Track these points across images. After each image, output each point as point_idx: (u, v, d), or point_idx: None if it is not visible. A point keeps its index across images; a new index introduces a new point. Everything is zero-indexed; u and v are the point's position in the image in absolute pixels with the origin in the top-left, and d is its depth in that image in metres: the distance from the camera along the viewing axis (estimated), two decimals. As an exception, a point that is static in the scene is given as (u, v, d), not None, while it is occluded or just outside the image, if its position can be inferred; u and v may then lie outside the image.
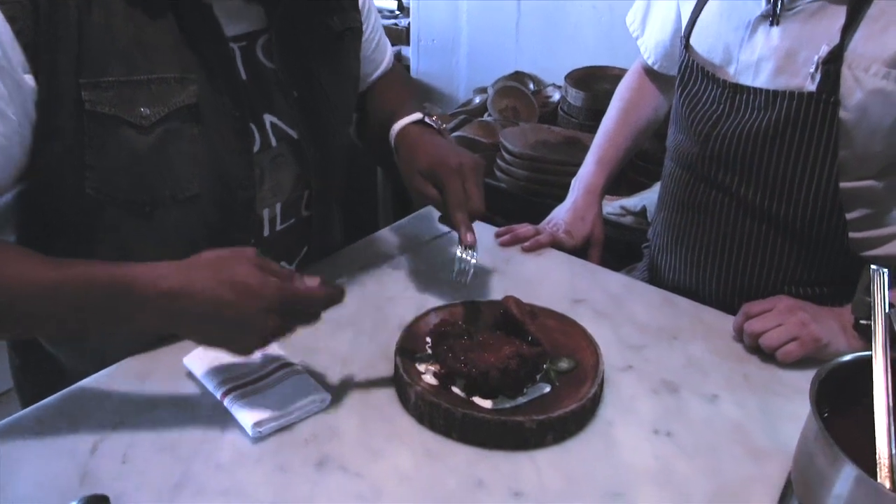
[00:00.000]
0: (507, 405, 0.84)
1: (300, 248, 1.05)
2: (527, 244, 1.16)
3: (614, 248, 1.35)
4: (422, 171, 0.95)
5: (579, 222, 1.22)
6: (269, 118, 0.95)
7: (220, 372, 0.86)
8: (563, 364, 0.89)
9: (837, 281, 1.04)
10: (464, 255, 0.94)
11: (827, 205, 1.00)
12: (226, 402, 0.83)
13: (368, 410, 0.85)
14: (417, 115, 1.01)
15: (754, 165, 1.03)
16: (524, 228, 1.19)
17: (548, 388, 0.86)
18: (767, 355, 0.94)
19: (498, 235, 1.19)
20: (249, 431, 0.80)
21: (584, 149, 1.85)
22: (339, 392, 0.87)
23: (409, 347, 0.89)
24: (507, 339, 0.86)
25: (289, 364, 0.88)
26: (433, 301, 1.02)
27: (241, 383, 0.85)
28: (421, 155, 0.96)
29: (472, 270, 0.95)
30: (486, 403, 0.84)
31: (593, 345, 0.91)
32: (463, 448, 0.81)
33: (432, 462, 0.79)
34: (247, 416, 0.81)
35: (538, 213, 1.28)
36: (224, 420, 0.82)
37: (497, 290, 1.06)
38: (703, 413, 0.87)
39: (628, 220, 1.75)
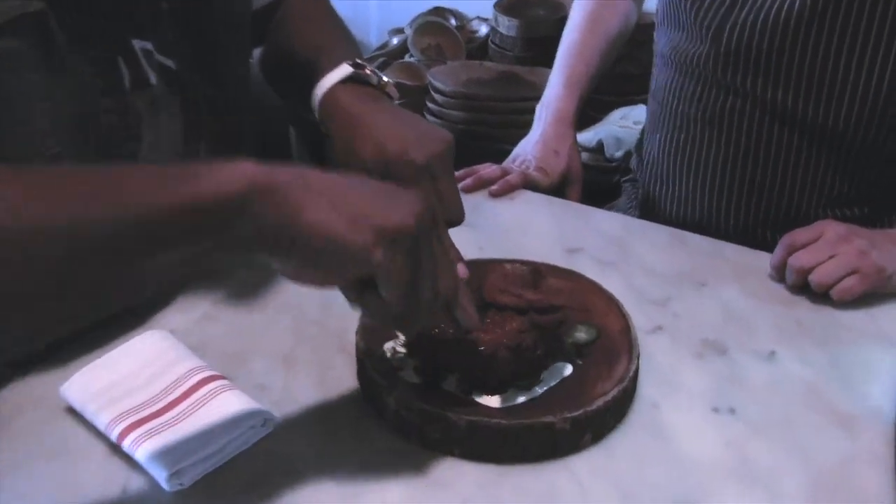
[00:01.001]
0: (521, 399, 0.63)
1: None
2: (494, 187, 0.96)
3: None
4: (369, 166, 0.68)
5: (552, 156, 1.03)
6: (139, 44, 0.69)
7: (112, 402, 0.62)
8: (582, 334, 0.69)
9: (884, 197, 0.89)
10: None
11: (879, 104, 0.83)
12: (125, 446, 0.59)
13: (331, 429, 0.63)
14: (346, 69, 0.72)
15: (783, 61, 0.85)
16: (488, 169, 0.99)
17: (569, 369, 0.66)
18: (818, 295, 0.77)
19: (458, 179, 0.97)
20: (165, 484, 0.57)
21: (523, 84, 1.69)
22: (285, 407, 0.64)
23: (375, 335, 0.67)
24: (508, 314, 0.65)
25: (211, 377, 0.64)
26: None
27: (146, 415, 0.61)
28: (366, 141, 0.68)
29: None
30: (494, 401, 0.63)
31: (615, 304, 0.71)
32: (471, 468, 0.60)
33: (432, 494, 0.58)
34: (159, 463, 0.57)
35: (479, 157, 1.06)
36: (125, 471, 0.59)
37: (470, 246, 0.84)
38: (765, 376, 0.69)
39: (584, 157, 1.56)
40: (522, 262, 0.73)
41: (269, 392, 0.66)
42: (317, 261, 0.51)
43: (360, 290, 0.53)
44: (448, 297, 0.56)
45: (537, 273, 0.69)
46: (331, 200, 0.50)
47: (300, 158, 1.96)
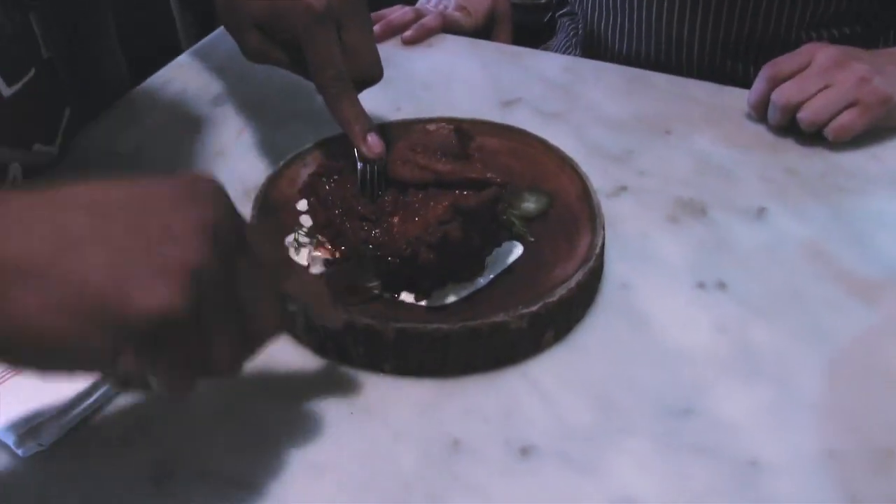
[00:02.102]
0: (462, 294, 0.51)
1: (57, 111, 0.62)
2: (408, 33, 0.85)
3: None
4: (256, 19, 0.56)
5: None
6: None
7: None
8: (530, 204, 0.58)
9: (881, 7, 0.77)
10: (368, 169, 0.55)
11: None
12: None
13: None
14: None
15: None
16: (399, 11, 0.87)
17: (519, 250, 0.54)
18: (810, 135, 0.66)
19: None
20: (18, 450, 0.44)
21: None
22: None
23: (272, 227, 0.54)
24: (431, 196, 0.52)
25: None
26: (294, 141, 0.64)
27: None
28: None
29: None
30: (424, 300, 0.51)
31: (568, 163, 0.60)
32: (406, 387, 0.49)
33: (359, 424, 0.47)
34: (3, 425, 0.44)
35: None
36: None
37: (385, 107, 0.72)
38: (756, 239, 0.59)
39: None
40: (444, 121, 0.61)
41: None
42: (40, 366, 0.34)
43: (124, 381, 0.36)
44: (271, 334, 0.40)
45: (462, 134, 0.55)
46: (42, 279, 0.32)
47: (183, 24, 1.73)
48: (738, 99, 0.71)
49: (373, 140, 0.54)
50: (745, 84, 0.71)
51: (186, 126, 0.71)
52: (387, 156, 0.54)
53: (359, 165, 0.54)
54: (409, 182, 0.53)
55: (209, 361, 0.36)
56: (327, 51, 0.54)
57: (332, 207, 0.54)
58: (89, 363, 0.34)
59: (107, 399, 0.47)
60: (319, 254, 0.53)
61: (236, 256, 0.36)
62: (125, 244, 0.33)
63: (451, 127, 0.57)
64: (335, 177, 0.55)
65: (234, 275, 0.36)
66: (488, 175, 0.51)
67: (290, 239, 0.54)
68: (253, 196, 0.56)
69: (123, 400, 0.48)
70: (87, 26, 0.72)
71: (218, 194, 0.37)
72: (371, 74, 0.57)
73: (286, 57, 0.56)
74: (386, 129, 0.59)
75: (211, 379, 0.37)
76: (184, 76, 0.78)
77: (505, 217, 0.55)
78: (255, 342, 0.39)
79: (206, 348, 0.36)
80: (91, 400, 0.46)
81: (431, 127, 0.61)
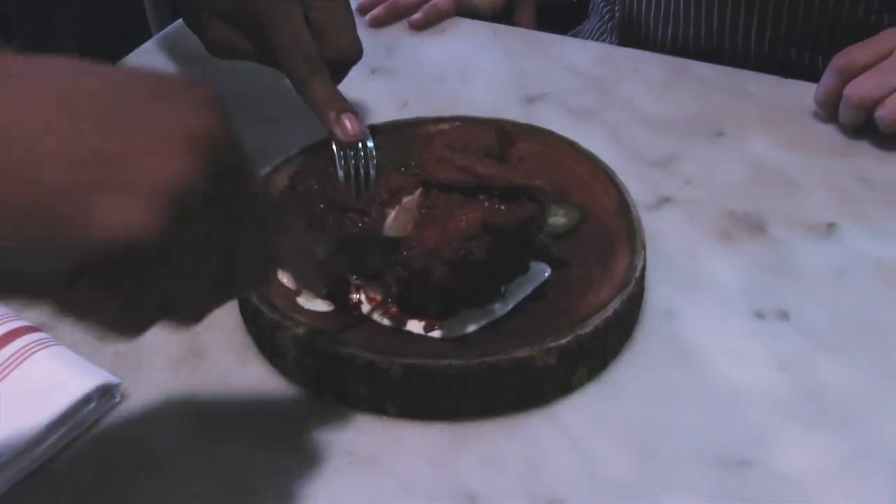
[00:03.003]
0: (480, 324, 0.50)
1: None
2: (417, 16, 0.85)
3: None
4: (218, 10, 0.57)
5: None
6: None
7: None
8: (558, 218, 0.56)
9: None
10: (348, 156, 0.56)
11: None
12: None
13: (210, 389, 0.49)
14: None
15: None
16: None
17: (545, 272, 0.53)
18: (888, 138, 0.65)
19: (363, 10, 0.86)
20: None
21: None
22: (140, 369, 0.50)
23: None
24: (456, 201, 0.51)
25: (23, 329, 0.50)
26: (280, 143, 0.62)
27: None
28: None
29: (373, 173, 0.57)
30: (436, 330, 0.49)
31: (602, 171, 0.59)
32: (414, 432, 0.47)
33: (360, 476, 0.45)
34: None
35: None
36: None
37: (390, 103, 0.71)
38: (824, 260, 0.57)
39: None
40: (459, 120, 0.62)
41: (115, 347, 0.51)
42: None
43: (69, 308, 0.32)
44: (250, 289, 0.39)
45: (503, 136, 0.53)
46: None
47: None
48: (802, 94, 0.69)
49: (349, 121, 0.54)
50: (812, 77, 0.70)
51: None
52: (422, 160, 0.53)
53: (337, 154, 0.54)
54: (444, 184, 0.50)
55: (172, 306, 0.34)
56: (292, 30, 0.54)
57: (314, 205, 0.52)
58: (31, 285, 0.31)
59: (65, 443, 0.46)
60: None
61: (227, 185, 0.33)
62: (93, 144, 0.29)
63: (488, 128, 0.55)
64: (316, 179, 0.55)
65: (221, 207, 0.33)
66: (538, 182, 0.49)
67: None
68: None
69: (85, 444, 0.46)
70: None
71: (216, 104, 0.33)
72: (347, 53, 0.56)
73: (251, 46, 0.57)
74: (399, 127, 0.58)
75: (167, 325, 0.34)
76: (151, 66, 0.77)
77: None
78: (228, 293, 0.36)
79: (173, 290, 0.33)
80: (48, 445, 0.45)
81: (461, 129, 0.58)
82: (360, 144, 0.56)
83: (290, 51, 0.54)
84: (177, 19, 0.84)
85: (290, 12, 0.54)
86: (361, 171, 0.55)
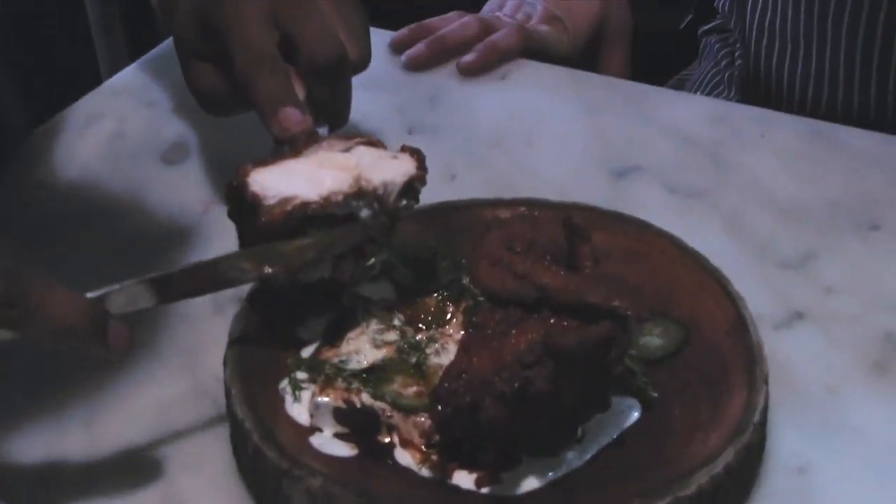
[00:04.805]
0: (550, 477, 0.50)
1: None
2: (469, 57, 0.84)
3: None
4: (190, 44, 0.63)
5: None
6: None
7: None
8: (653, 339, 0.57)
9: None
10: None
11: None
12: None
13: None
14: None
15: None
16: (456, 23, 0.87)
17: (635, 412, 0.54)
18: None
19: (398, 47, 0.86)
20: None
21: None
22: None
23: (255, 363, 0.55)
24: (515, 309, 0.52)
25: None
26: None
27: None
28: None
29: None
30: (490, 486, 0.50)
31: (714, 277, 0.59)
32: None
33: None
34: None
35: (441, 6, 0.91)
36: None
37: (432, 173, 0.71)
38: None
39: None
40: (522, 204, 0.63)
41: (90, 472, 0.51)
42: None
43: None
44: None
45: (573, 230, 0.54)
46: None
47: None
48: None
49: (289, 112, 0.55)
50: None
51: (123, 193, 0.72)
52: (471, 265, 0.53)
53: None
54: (498, 296, 0.51)
55: None
56: (243, 32, 0.57)
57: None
58: None
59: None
60: (327, 399, 0.52)
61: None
62: None
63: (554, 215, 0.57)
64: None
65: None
66: (615, 304, 0.48)
67: (283, 384, 0.54)
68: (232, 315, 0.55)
69: None
70: None
71: None
72: (317, 53, 0.57)
73: (230, 84, 0.59)
74: (435, 214, 0.60)
75: None
76: (116, 109, 0.79)
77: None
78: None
79: None
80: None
81: (524, 213, 0.61)
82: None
83: (238, 54, 0.57)
84: (132, 62, 0.88)
85: (244, 12, 0.57)
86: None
